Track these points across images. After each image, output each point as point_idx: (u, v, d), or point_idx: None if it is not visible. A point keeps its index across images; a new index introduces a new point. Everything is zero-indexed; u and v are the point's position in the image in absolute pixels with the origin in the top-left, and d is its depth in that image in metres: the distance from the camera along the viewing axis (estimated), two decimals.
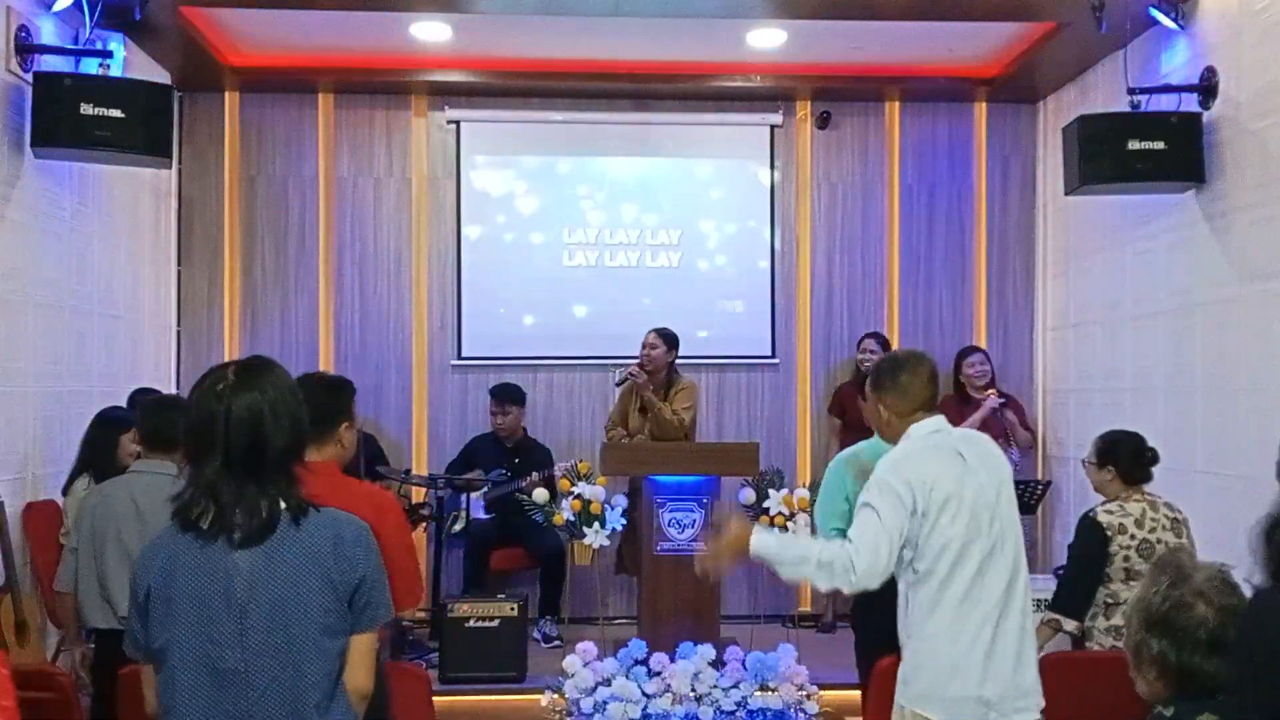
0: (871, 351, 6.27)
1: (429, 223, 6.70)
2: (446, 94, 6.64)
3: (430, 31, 5.88)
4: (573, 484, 5.29)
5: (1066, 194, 5.37)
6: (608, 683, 4.62)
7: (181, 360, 6.50)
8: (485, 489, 6.03)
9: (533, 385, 6.52)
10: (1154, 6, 5.01)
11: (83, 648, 3.77)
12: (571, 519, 5.20)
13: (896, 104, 6.81)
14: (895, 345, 6.75)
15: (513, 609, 5.14)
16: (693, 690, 4.62)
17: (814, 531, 4.21)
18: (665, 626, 5.04)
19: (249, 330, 6.58)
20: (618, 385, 5.89)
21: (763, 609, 6.26)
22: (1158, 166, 4.89)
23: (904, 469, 2.73)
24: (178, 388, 6.33)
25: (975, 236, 6.84)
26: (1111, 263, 5.84)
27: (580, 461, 5.65)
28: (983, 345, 6.67)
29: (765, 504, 5.21)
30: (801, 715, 4.64)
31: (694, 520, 5.20)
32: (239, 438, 2.02)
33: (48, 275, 4.89)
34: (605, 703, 4.57)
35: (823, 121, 6.75)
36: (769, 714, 4.62)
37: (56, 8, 4.76)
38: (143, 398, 4.99)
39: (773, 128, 6.78)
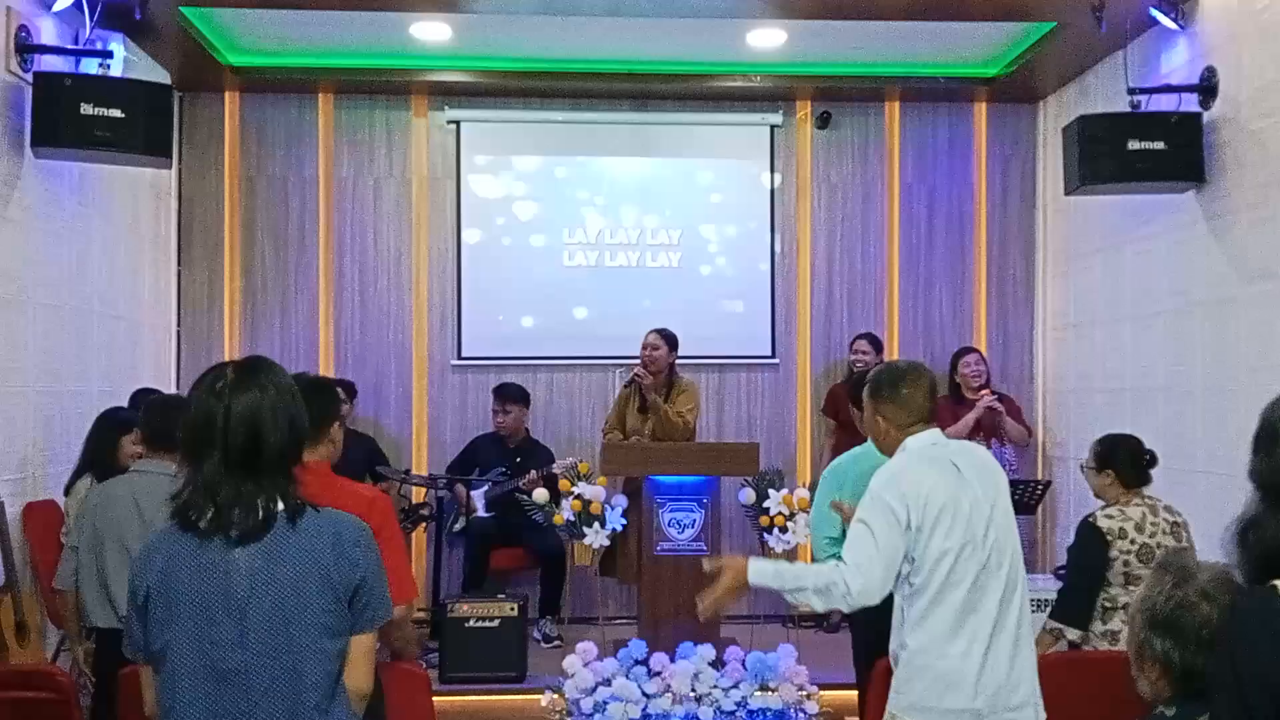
0: (863, 352, 6.27)
1: (429, 223, 6.70)
2: (446, 94, 6.64)
3: (430, 31, 5.88)
4: (573, 484, 5.29)
5: (1066, 194, 5.37)
6: (608, 683, 4.62)
7: (181, 360, 6.50)
8: (485, 488, 6.03)
9: (533, 385, 6.52)
10: (1154, 6, 5.00)
11: (84, 645, 3.77)
12: (571, 519, 5.20)
13: (896, 104, 6.81)
14: (895, 345, 6.76)
15: (513, 609, 5.14)
16: (693, 690, 4.62)
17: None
18: (665, 626, 5.04)
19: (249, 330, 6.58)
20: (626, 387, 5.88)
21: (763, 609, 6.26)
22: (1158, 166, 4.90)
23: (899, 483, 2.71)
24: (178, 388, 6.33)
25: (975, 236, 6.84)
26: (1111, 263, 5.84)
27: (580, 462, 5.65)
28: (983, 345, 6.68)
29: (765, 504, 5.21)
30: (801, 715, 4.64)
31: (694, 520, 5.21)
32: (238, 436, 2.02)
33: (48, 275, 4.89)
34: (605, 703, 4.57)
35: (823, 121, 6.75)
36: (769, 714, 4.62)
37: (56, 8, 4.76)
38: (146, 398, 5.00)
39: (773, 128, 6.78)
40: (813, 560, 3.83)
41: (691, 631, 4.94)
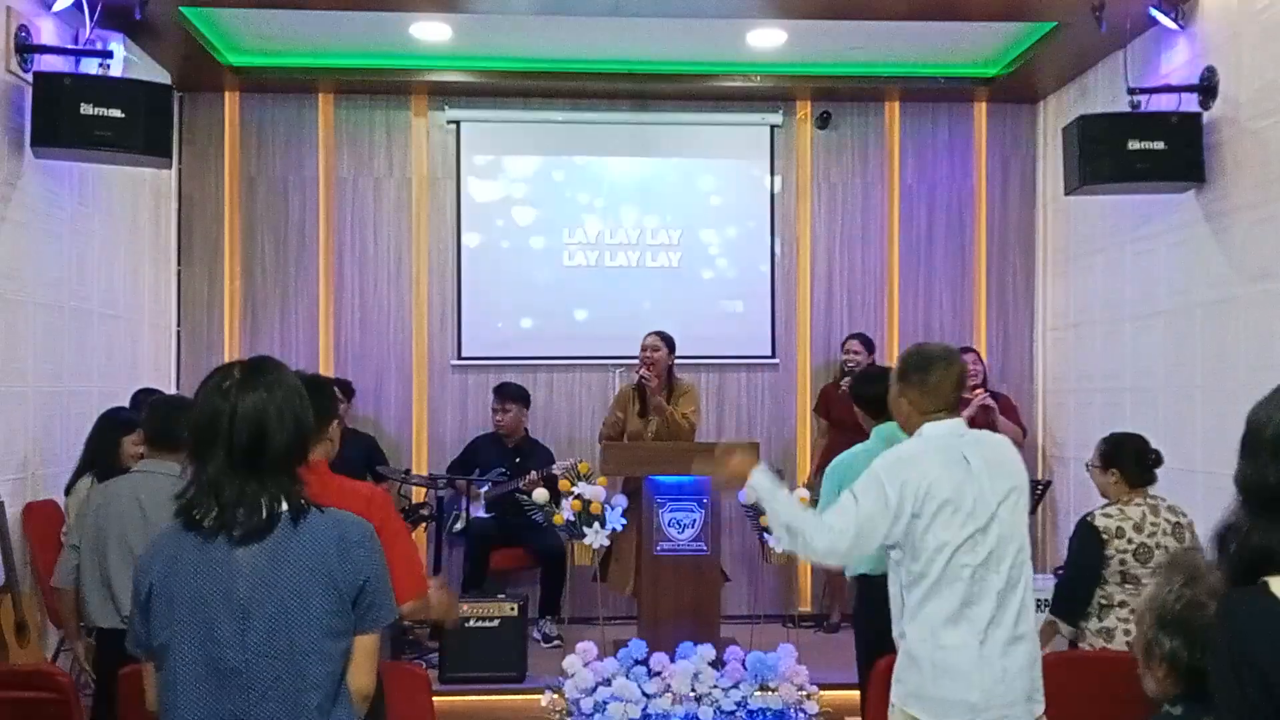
0: (855, 352, 6.28)
1: (429, 223, 6.70)
2: (446, 94, 6.64)
3: (430, 31, 5.88)
4: (573, 484, 5.29)
5: (1066, 194, 5.37)
6: (608, 683, 4.62)
7: (181, 360, 6.50)
8: (485, 488, 6.03)
9: (533, 385, 6.52)
10: (1154, 6, 5.01)
11: (83, 643, 3.77)
12: (571, 519, 5.20)
13: (896, 104, 6.81)
14: (894, 345, 6.76)
15: (513, 609, 5.14)
16: (693, 690, 4.62)
17: None
18: (665, 626, 5.04)
19: (249, 330, 6.58)
20: (634, 388, 5.87)
21: (763, 609, 6.27)
22: (1158, 166, 4.90)
23: (901, 470, 2.73)
24: (178, 388, 6.34)
25: (975, 236, 6.84)
26: (1111, 263, 5.84)
27: (580, 461, 5.65)
28: (983, 345, 6.68)
29: None
30: (801, 715, 4.64)
31: (694, 520, 5.21)
32: (243, 436, 2.02)
33: (48, 275, 4.89)
34: (605, 703, 4.57)
35: (823, 121, 6.75)
36: (769, 714, 4.62)
37: (56, 8, 4.76)
38: (148, 399, 5.00)
39: (773, 128, 6.78)
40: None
41: (691, 631, 4.94)
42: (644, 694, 4.59)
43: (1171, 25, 5.03)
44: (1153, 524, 3.71)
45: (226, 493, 2.01)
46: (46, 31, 4.82)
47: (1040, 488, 6.06)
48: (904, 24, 5.60)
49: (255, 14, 5.55)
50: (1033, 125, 6.80)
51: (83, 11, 4.79)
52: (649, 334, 5.87)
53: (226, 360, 6.76)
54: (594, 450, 6.06)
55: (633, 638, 4.85)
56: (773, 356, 6.77)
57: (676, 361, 5.92)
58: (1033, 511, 6.03)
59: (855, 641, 4.05)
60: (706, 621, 5.12)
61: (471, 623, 5.09)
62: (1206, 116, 4.87)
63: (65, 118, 4.55)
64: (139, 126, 4.66)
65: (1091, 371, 6.06)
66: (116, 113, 4.60)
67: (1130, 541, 3.67)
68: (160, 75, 5.81)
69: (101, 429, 4.52)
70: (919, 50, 6.17)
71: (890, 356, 6.72)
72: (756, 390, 6.79)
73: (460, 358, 6.67)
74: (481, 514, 6.04)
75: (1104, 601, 3.73)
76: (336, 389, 3.56)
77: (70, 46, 4.91)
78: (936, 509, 2.69)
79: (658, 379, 5.72)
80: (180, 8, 5.26)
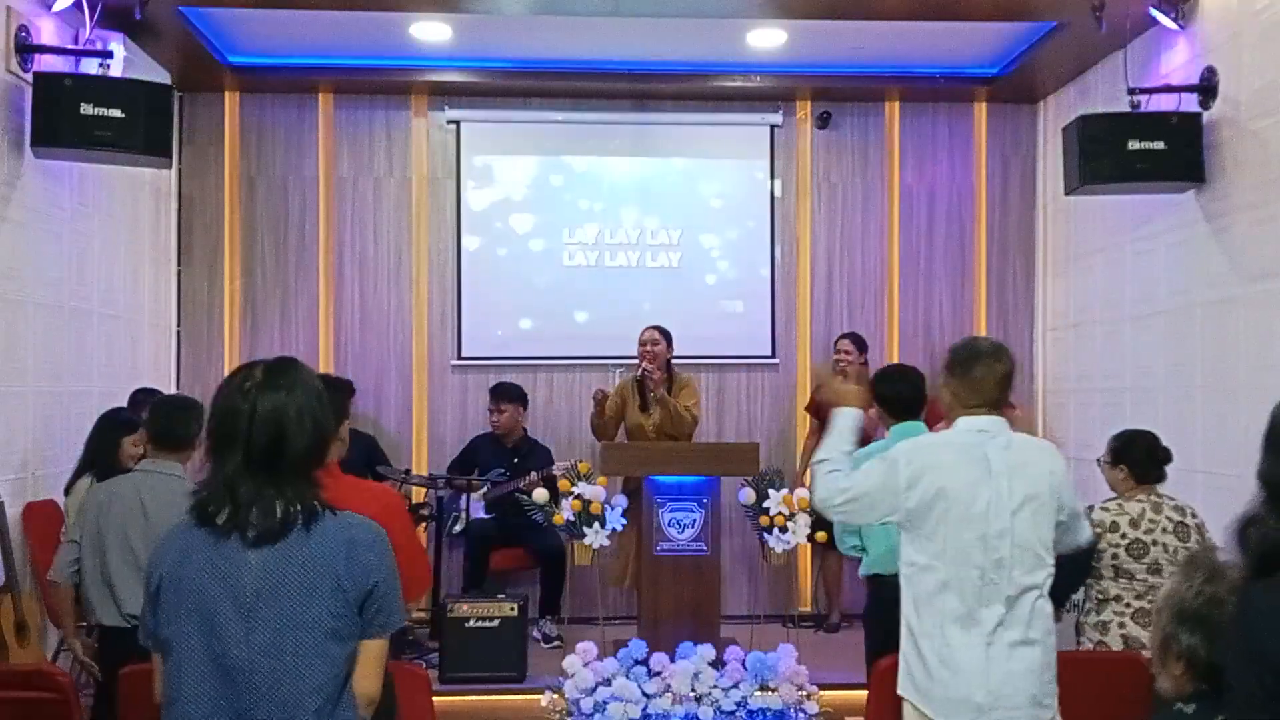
0: (846, 352, 6.27)
1: (429, 223, 6.70)
2: (446, 94, 6.63)
3: (430, 31, 5.88)
4: (573, 484, 5.29)
5: (1066, 194, 5.36)
6: (608, 683, 4.61)
7: (181, 360, 6.50)
8: (485, 488, 6.03)
9: (533, 385, 6.52)
10: (1154, 6, 5.01)
11: (81, 641, 3.77)
12: (571, 519, 5.20)
13: (896, 104, 6.81)
14: (895, 345, 6.77)
15: (513, 609, 5.14)
16: (693, 690, 4.62)
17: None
18: (665, 626, 5.04)
19: (249, 330, 6.58)
20: (637, 380, 5.88)
21: (763, 609, 6.27)
22: (1158, 166, 4.89)
23: (919, 454, 2.80)
24: (178, 388, 6.34)
25: (975, 236, 6.84)
26: (1111, 263, 5.84)
27: (580, 461, 5.65)
28: None
29: (765, 504, 5.20)
30: (801, 715, 4.64)
31: (694, 520, 5.20)
32: (261, 436, 2.03)
33: (48, 275, 4.89)
34: (605, 703, 4.57)
35: (823, 121, 6.75)
36: (769, 714, 4.62)
37: (56, 8, 4.76)
38: (146, 398, 4.99)
39: (773, 128, 6.78)
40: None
41: (691, 631, 4.94)
42: (644, 694, 4.59)
43: (1171, 25, 5.03)
44: (1151, 520, 3.72)
45: (242, 492, 2.01)
46: (46, 31, 4.82)
47: None
48: (904, 24, 5.60)
49: (255, 14, 5.55)
50: (1033, 125, 6.80)
51: (83, 11, 4.78)
52: (646, 329, 5.91)
53: (226, 360, 6.79)
54: (594, 450, 6.06)
55: (633, 638, 4.84)
56: (773, 356, 6.77)
57: (677, 360, 5.96)
58: None
59: (865, 641, 4.05)
60: (706, 621, 5.12)
61: (471, 623, 5.09)
62: (1206, 116, 4.87)
63: (65, 118, 4.55)
64: (139, 126, 4.65)
65: (1091, 371, 6.06)
66: (116, 113, 4.60)
67: (1124, 536, 3.69)
68: (160, 75, 5.81)
69: (101, 429, 4.52)
70: (919, 50, 6.17)
71: (890, 356, 6.73)
72: (756, 390, 6.79)
73: (460, 358, 6.67)
74: (481, 514, 6.04)
75: (1100, 596, 3.76)
76: None
77: (70, 46, 4.91)
78: (943, 502, 2.72)
79: (659, 372, 5.75)
80: (180, 8, 5.26)
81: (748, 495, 5.31)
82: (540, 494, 5.37)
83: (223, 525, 2.01)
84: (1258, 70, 4.53)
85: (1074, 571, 3.75)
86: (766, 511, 5.19)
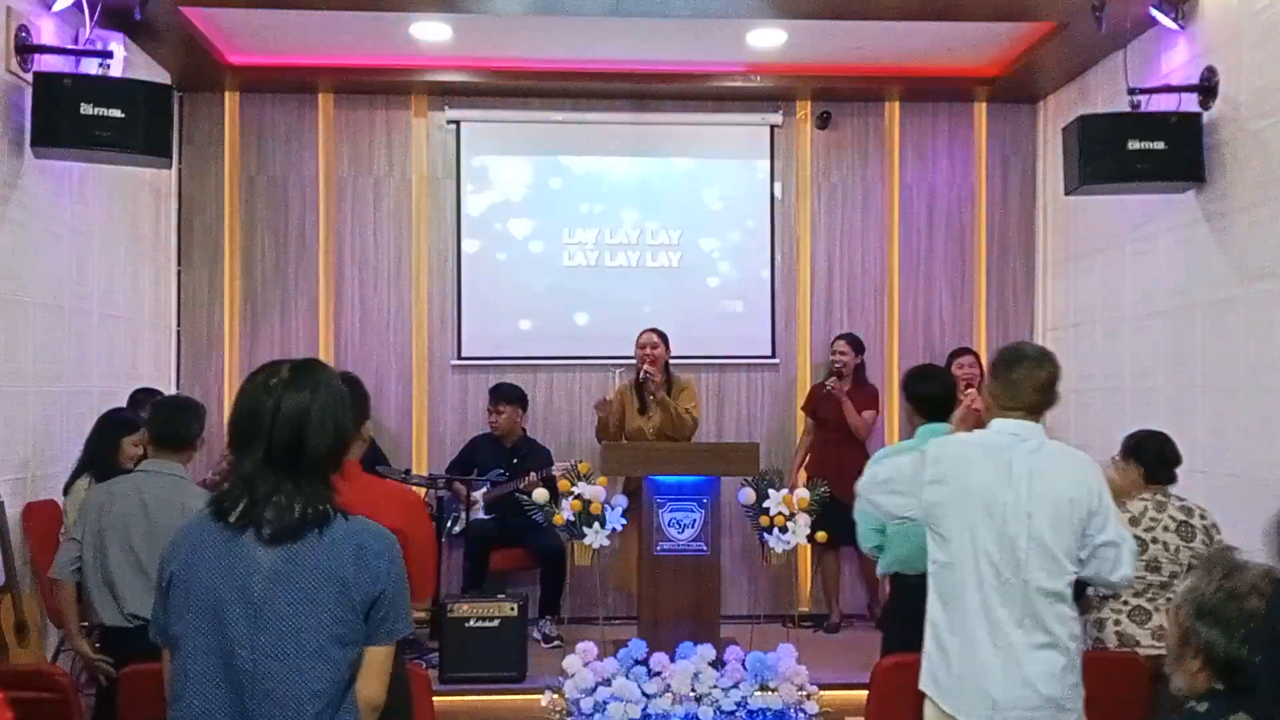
0: (842, 353, 6.28)
1: (429, 223, 6.70)
2: (446, 94, 6.63)
3: (430, 31, 5.88)
4: (573, 484, 5.29)
5: (1066, 194, 5.36)
6: (608, 683, 4.61)
7: (181, 360, 6.50)
8: (485, 488, 6.03)
9: (533, 385, 6.52)
10: (1154, 6, 5.01)
11: (83, 638, 3.76)
12: (571, 519, 5.20)
13: (896, 104, 6.81)
14: (895, 345, 6.77)
15: (513, 609, 5.13)
16: (693, 690, 4.62)
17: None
18: (665, 626, 5.04)
19: (249, 330, 6.58)
20: (641, 383, 5.88)
21: (763, 609, 6.27)
22: (1158, 166, 4.89)
23: (945, 452, 2.88)
24: (177, 388, 6.34)
25: (975, 236, 6.84)
26: (1111, 263, 5.84)
27: (580, 461, 5.65)
28: (983, 345, 6.68)
29: (765, 504, 5.20)
30: (801, 715, 4.64)
31: (694, 520, 5.20)
32: (283, 435, 2.03)
33: (48, 275, 4.89)
34: (605, 703, 4.57)
35: (823, 121, 6.75)
36: (769, 714, 4.62)
37: (56, 8, 4.76)
38: (146, 398, 5.00)
39: (773, 128, 6.78)
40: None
41: (691, 631, 4.94)
42: (644, 694, 4.59)
43: (1171, 25, 5.03)
44: (1153, 519, 3.73)
45: (260, 490, 2.01)
46: (46, 31, 4.81)
47: None
48: (904, 24, 5.60)
49: (255, 14, 5.55)
50: (1033, 125, 6.80)
51: (83, 11, 4.79)
52: (645, 331, 5.92)
53: (226, 360, 6.78)
54: (594, 450, 6.06)
55: (633, 638, 4.84)
56: (773, 356, 6.77)
57: (676, 361, 5.97)
58: None
59: (883, 641, 4.05)
60: (706, 621, 5.12)
61: (471, 623, 5.09)
62: (1206, 116, 4.87)
63: (65, 118, 4.55)
64: (139, 126, 4.66)
65: (1091, 371, 6.06)
66: (116, 113, 4.60)
67: None
68: (160, 75, 5.81)
69: (101, 429, 4.52)
70: (919, 50, 6.17)
71: (890, 356, 6.74)
72: (756, 390, 6.79)
73: (460, 358, 6.67)
74: (481, 514, 6.04)
75: (1101, 592, 3.75)
76: None
77: (70, 46, 4.91)
78: (964, 500, 2.77)
79: (660, 375, 5.76)
80: (180, 8, 5.26)
81: (748, 495, 5.31)
82: (540, 494, 5.37)
83: (236, 522, 2.01)
84: (1258, 70, 4.53)
85: None
86: (766, 511, 5.19)
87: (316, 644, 1.98)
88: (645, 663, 4.69)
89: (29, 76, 4.61)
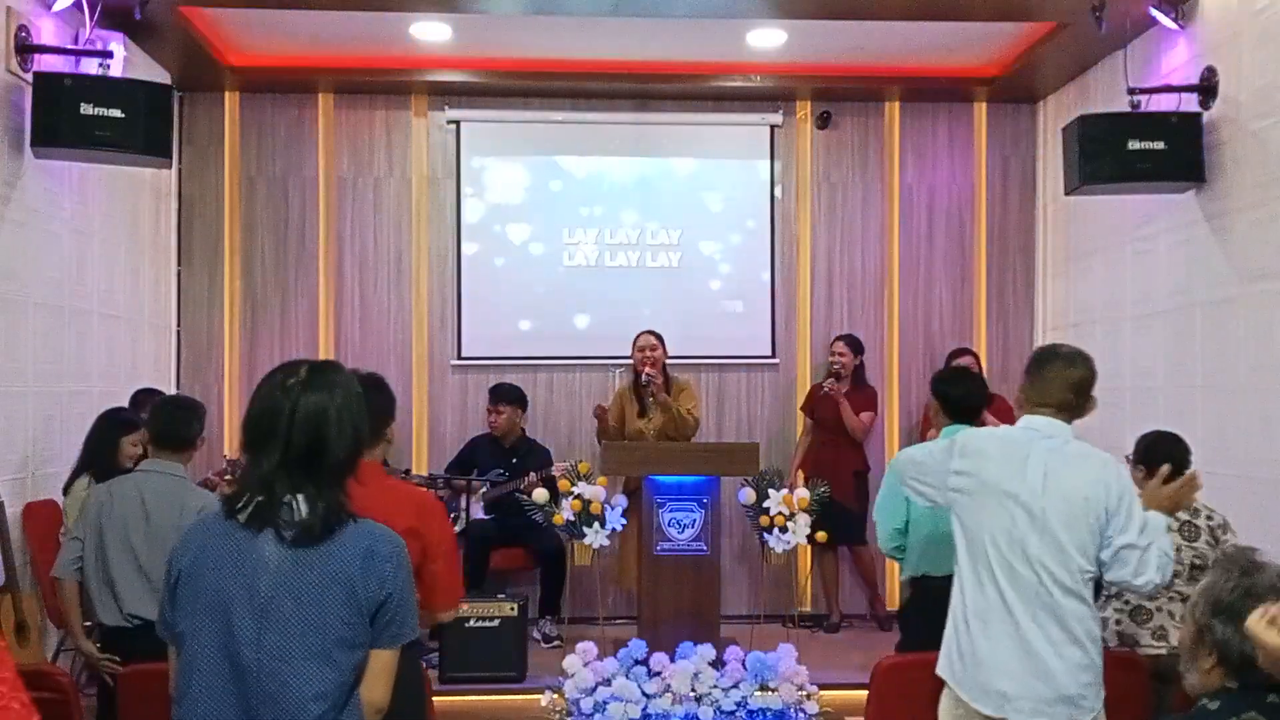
0: (840, 354, 6.29)
1: (429, 223, 6.70)
2: (446, 94, 6.64)
3: (430, 31, 5.88)
4: (573, 484, 5.29)
5: (1066, 194, 5.36)
6: (608, 683, 4.61)
7: (181, 360, 6.50)
8: (484, 489, 6.03)
9: (533, 385, 6.52)
10: (1154, 6, 5.01)
11: (86, 637, 3.76)
12: (571, 519, 5.20)
13: (896, 104, 6.81)
14: (895, 345, 6.77)
15: (513, 609, 5.13)
16: (693, 690, 4.62)
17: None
18: (665, 626, 5.04)
19: (249, 330, 6.58)
20: (644, 387, 5.87)
21: (763, 609, 6.27)
22: (1158, 166, 4.89)
23: (971, 443, 2.92)
24: (177, 388, 6.34)
25: (975, 236, 6.84)
26: (1111, 263, 5.84)
27: (580, 461, 5.65)
28: (983, 345, 6.69)
29: (765, 504, 5.21)
30: (801, 715, 4.64)
31: (694, 520, 5.20)
32: (301, 436, 2.02)
33: (48, 275, 4.89)
34: (605, 703, 4.57)
35: (823, 121, 6.75)
36: (769, 714, 4.62)
37: (56, 8, 4.76)
38: (147, 398, 5.00)
39: (773, 128, 6.78)
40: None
41: (691, 631, 4.94)
42: (644, 694, 4.59)
43: (1171, 25, 5.03)
44: None
45: (275, 491, 2.01)
46: (46, 31, 4.82)
47: None
48: (904, 24, 5.60)
49: (255, 14, 5.55)
50: (1033, 125, 6.80)
51: (83, 11, 4.79)
52: (643, 333, 5.91)
53: (225, 360, 6.77)
54: (594, 450, 6.06)
55: (633, 638, 4.84)
56: (773, 356, 6.77)
57: (676, 361, 5.97)
58: None
59: (901, 637, 4.05)
60: (706, 621, 5.12)
61: (471, 623, 5.09)
62: (1206, 116, 4.87)
63: (65, 118, 4.55)
64: (139, 126, 4.66)
65: None
66: (116, 113, 4.60)
67: None
68: (160, 75, 5.81)
69: (101, 429, 4.52)
70: (919, 50, 6.17)
71: (890, 357, 6.74)
72: (756, 390, 6.79)
73: (460, 358, 6.67)
74: (481, 515, 6.04)
75: (1106, 591, 3.75)
76: None
77: (70, 46, 4.91)
78: (981, 491, 2.82)
79: (660, 376, 5.76)
80: (180, 8, 5.26)
81: (748, 495, 5.31)
82: (540, 494, 5.37)
83: (247, 521, 2.01)
84: (1258, 70, 4.53)
85: None
86: (766, 511, 5.19)
87: (321, 646, 1.97)
88: (645, 663, 4.69)
89: (29, 76, 4.61)
